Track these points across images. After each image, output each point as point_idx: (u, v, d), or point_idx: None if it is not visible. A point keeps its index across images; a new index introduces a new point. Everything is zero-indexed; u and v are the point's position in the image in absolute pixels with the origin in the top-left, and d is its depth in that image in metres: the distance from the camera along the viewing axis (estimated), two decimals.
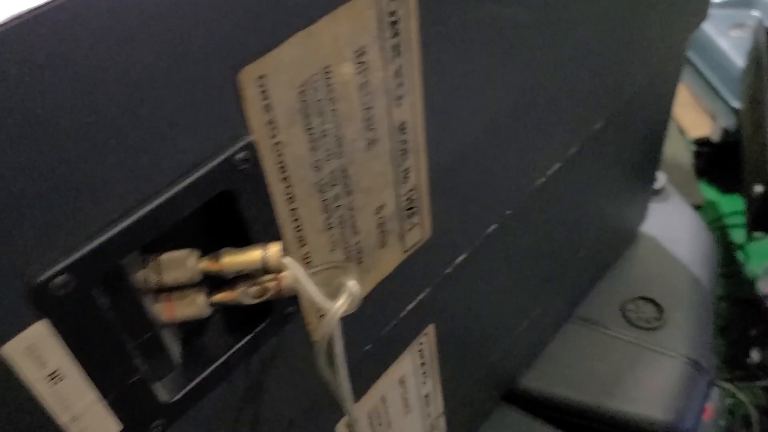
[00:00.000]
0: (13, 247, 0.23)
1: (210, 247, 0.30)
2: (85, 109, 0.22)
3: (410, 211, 0.40)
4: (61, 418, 0.27)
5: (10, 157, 0.21)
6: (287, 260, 0.29)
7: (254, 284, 0.31)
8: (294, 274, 0.29)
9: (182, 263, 0.29)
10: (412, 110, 0.36)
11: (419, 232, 0.42)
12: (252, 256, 0.29)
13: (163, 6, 0.23)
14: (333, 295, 0.30)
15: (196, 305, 0.30)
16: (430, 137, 0.38)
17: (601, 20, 0.49)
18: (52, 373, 0.26)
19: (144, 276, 0.29)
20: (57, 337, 0.25)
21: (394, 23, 0.32)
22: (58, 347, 0.25)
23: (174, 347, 0.33)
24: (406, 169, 0.38)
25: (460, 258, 0.48)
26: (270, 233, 0.31)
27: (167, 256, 0.29)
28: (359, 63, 0.31)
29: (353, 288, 0.29)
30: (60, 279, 0.24)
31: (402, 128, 0.36)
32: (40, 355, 0.25)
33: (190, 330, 0.34)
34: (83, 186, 0.23)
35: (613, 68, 0.55)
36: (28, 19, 0.20)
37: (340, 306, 0.29)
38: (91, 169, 0.23)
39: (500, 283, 0.58)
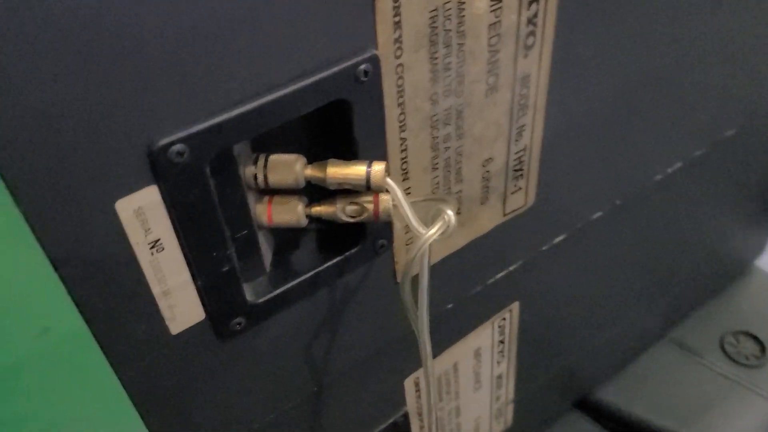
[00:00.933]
0: (141, 109, 0.24)
1: (317, 159, 0.31)
2: None
3: (518, 172, 0.39)
4: (155, 288, 0.28)
5: (154, 22, 0.22)
6: (389, 181, 0.29)
7: (353, 202, 0.31)
8: (394, 195, 0.29)
9: (290, 166, 0.29)
10: (538, 64, 0.35)
11: (522, 198, 0.41)
12: (357, 170, 0.29)
13: None
14: (428, 225, 0.30)
15: (294, 213, 0.31)
16: (553, 98, 0.37)
17: (751, 23, 0.46)
18: (155, 241, 0.27)
19: (252, 173, 0.29)
20: (165, 206, 0.26)
21: None
22: (164, 217, 0.27)
23: (267, 253, 0.33)
24: (521, 126, 0.37)
25: (559, 238, 0.47)
26: (377, 156, 0.31)
27: (276, 157, 0.30)
28: (494, 0, 0.31)
29: (450, 217, 0.29)
30: (177, 147, 0.25)
31: (525, 81, 0.35)
32: (147, 220, 0.26)
33: (285, 241, 0.35)
34: (212, 64, 0.24)
35: (756, 73, 0.51)
36: None
37: (434, 231, 0.28)
38: (221, 48, 0.24)
39: (593, 277, 0.56)
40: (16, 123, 0.21)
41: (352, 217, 0.31)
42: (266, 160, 0.29)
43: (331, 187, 0.30)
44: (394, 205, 0.31)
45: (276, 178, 0.30)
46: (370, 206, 0.31)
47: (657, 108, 0.45)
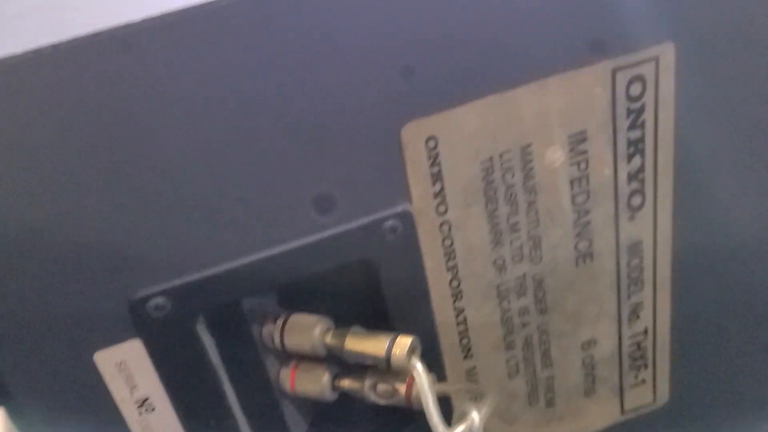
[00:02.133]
0: (122, 261, 0.22)
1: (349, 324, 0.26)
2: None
3: (638, 361, 0.31)
4: None
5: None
6: (415, 362, 0.24)
7: (383, 381, 0.26)
8: (419, 380, 0.24)
9: (308, 330, 0.25)
10: (653, 229, 0.28)
11: (649, 393, 0.32)
12: (377, 345, 0.24)
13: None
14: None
15: (317, 383, 0.27)
16: (679, 267, 0.29)
17: None
18: (143, 400, 0.24)
19: (270, 333, 0.26)
20: (150, 361, 0.24)
21: (635, 111, 0.25)
22: (152, 374, 0.24)
23: (299, 424, 0.29)
24: (636, 304, 0.29)
25: None
26: (421, 328, 0.26)
27: (297, 318, 0.26)
28: (575, 151, 0.25)
29: (474, 420, 0.22)
30: (157, 300, 0.22)
31: (635, 249, 0.28)
32: (132, 376, 0.24)
33: (332, 410, 0.30)
34: (200, 217, 0.22)
35: None
36: None
37: None
38: (210, 200, 0.22)
39: None
40: None
41: (384, 397, 0.26)
42: (285, 321, 0.26)
43: (351, 362, 0.25)
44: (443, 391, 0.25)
45: (293, 342, 0.26)
46: (403, 388, 0.25)
47: None
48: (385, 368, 0.25)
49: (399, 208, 0.24)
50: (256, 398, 0.27)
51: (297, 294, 0.26)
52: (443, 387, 0.25)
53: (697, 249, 0.29)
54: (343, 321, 0.26)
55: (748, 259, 0.30)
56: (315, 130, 0.22)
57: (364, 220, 0.23)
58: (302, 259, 0.23)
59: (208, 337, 0.24)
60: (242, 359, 0.26)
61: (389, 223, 0.24)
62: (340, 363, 0.27)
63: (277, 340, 0.26)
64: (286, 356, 0.27)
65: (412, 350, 0.24)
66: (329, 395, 0.27)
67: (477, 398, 0.24)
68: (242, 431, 0.26)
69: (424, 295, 0.26)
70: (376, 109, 0.22)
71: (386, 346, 0.24)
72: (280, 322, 0.26)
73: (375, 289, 0.25)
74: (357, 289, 0.26)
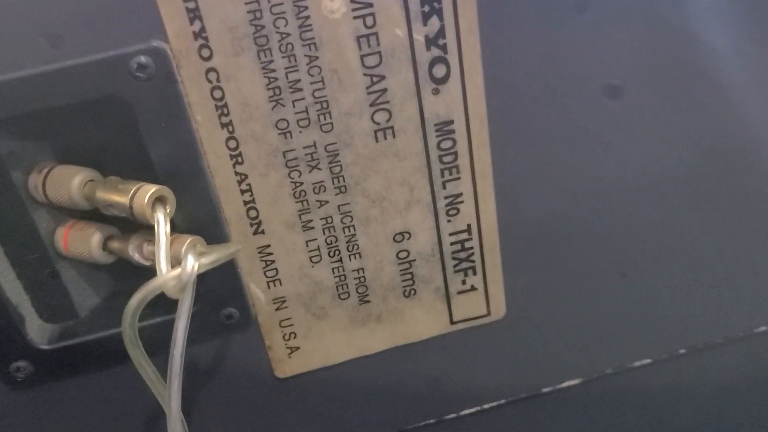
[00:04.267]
0: None
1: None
2: None
3: (462, 263, 0.29)
4: None
5: None
6: (159, 214, 0.22)
7: (150, 241, 0.24)
8: (157, 230, 0.22)
9: (67, 179, 0.24)
10: (463, 106, 0.26)
11: (481, 304, 0.30)
12: (123, 193, 0.23)
13: None
14: None
15: (86, 243, 0.25)
16: (500, 155, 0.27)
17: None
18: None
19: (35, 183, 0.25)
20: None
21: None
22: None
23: (86, 292, 0.28)
24: (454, 196, 0.27)
25: (571, 382, 0.33)
26: (196, 189, 0.25)
27: (60, 168, 0.25)
28: (357, 2, 0.23)
29: (189, 263, 0.20)
30: None
31: (444, 129, 0.26)
32: None
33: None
34: None
35: None
36: None
37: (162, 279, 0.20)
38: None
39: None
40: None
41: (147, 259, 0.25)
42: (50, 171, 0.25)
43: (104, 213, 0.24)
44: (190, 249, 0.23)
45: (53, 193, 0.24)
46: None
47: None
48: (132, 218, 0.23)
49: (148, 44, 0.22)
50: (23, 255, 0.25)
51: (70, 146, 0.25)
52: (199, 246, 0.23)
53: (518, 132, 0.27)
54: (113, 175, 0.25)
55: (578, 147, 0.27)
56: None
57: (107, 54, 0.22)
58: (37, 88, 0.22)
59: None
60: (2, 207, 0.25)
61: (138, 59, 0.22)
62: (120, 226, 0.26)
63: (40, 191, 0.25)
64: (63, 216, 0.26)
65: (157, 199, 0.23)
66: (100, 257, 0.25)
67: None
68: (4, 287, 0.25)
69: (193, 151, 0.24)
70: None
71: (131, 193, 0.23)
72: (45, 171, 0.25)
73: (137, 137, 0.24)
74: (122, 140, 0.24)
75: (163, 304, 0.23)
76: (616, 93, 0.26)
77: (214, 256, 0.22)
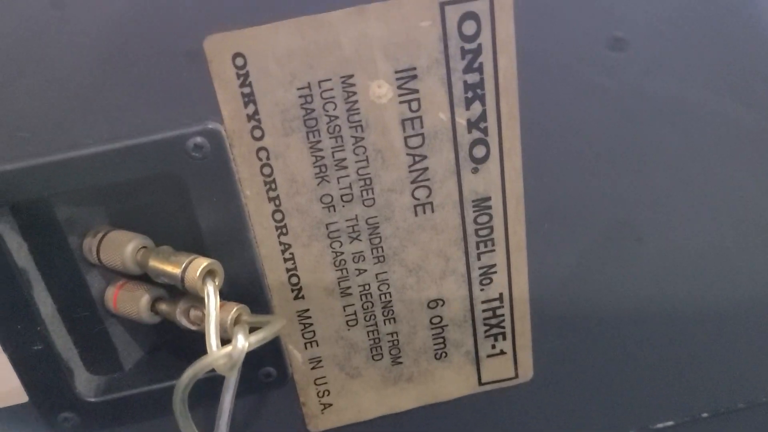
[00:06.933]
0: None
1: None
2: None
3: (493, 329, 0.30)
4: None
5: None
6: (209, 286, 0.23)
7: (196, 306, 0.26)
8: (207, 303, 0.23)
9: (121, 246, 0.25)
10: (500, 183, 0.27)
11: (508, 366, 0.31)
12: (175, 264, 0.24)
13: None
14: None
15: (135, 304, 0.26)
16: (535, 229, 0.28)
17: None
18: None
19: (89, 246, 0.26)
20: None
21: (471, 51, 0.24)
22: None
23: (131, 347, 0.29)
24: (488, 266, 0.28)
25: None
26: (243, 258, 0.26)
27: (114, 233, 0.26)
28: (404, 89, 0.24)
29: (241, 344, 0.21)
30: None
31: (481, 205, 0.27)
32: None
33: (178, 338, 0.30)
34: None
35: None
36: None
37: (212, 357, 0.21)
38: None
39: None
40: None
41: (194, 324, 0.26)
42: (105, 235, 0.26)
43: (156, 281, 0.25)
44: (237, 320, 0.24)
45: (107, 257, 0.26)
46: None
47: None
48: (182, 289, 0.24)
49: (205, 125, 0.23)
50: (75, 312, 0.27)
51: (124, 212, 0.26)
52: (244, 316, 0.24)
53: (553, 209, 0.27)
54: (166, 244, 0.26)
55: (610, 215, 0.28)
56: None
57: (165, 135, 0.23)
58: (98, 166, 0.23)
59: (14, 235, 0.24)
60: (58, 268, 0.26)
61: (194, 139, 0.23)
62: (168, 288, 0.27)
63: (94, 254, 0.26)
64: (113, 275, 0.27)
65: (208, 272, 0.24)
66: (147, 317, 0.27)
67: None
68: (56, 342, 0.26)
69: (241, 223, 0.25)
70: (179, 18, 0.22)
71: (183, 266, 0.24)
72: (99, 236, 0.26)
73: (189, 208, 0.25)
74: (174, 211, 0.26)
75: None
76: (646, 180, 0.27)
77: (262, 334, 0.23)
